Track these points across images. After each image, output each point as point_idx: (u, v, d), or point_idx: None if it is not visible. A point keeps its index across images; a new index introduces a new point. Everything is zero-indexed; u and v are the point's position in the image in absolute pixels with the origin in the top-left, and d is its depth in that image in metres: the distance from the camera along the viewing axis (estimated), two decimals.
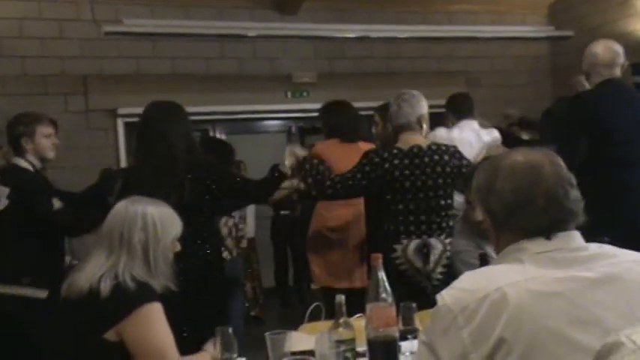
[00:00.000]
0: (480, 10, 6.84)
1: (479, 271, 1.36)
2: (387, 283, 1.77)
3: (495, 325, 1.19)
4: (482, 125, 4.02)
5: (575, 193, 1.32)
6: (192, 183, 2.78)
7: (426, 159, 2.91)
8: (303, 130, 6.76)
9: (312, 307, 2.29)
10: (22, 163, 3.12)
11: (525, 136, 4.35)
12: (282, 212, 6.30)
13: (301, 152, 3.02)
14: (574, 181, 1.34)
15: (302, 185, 3.14)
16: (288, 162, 2.94)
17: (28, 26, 5.49)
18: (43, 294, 2.95)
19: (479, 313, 1.21)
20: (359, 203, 3.14)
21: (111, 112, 5.74)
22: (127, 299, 1.83)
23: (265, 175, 3.00)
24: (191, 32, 5.70)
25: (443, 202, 2.92)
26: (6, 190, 3.01)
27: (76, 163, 5.35)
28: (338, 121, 3.65)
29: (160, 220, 1.95)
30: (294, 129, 6.69)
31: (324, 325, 2.19)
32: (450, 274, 2.72)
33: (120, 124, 5.82)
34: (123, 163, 5.78)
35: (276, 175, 2.95)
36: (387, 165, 2.89)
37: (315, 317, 2.32)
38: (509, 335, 1.18)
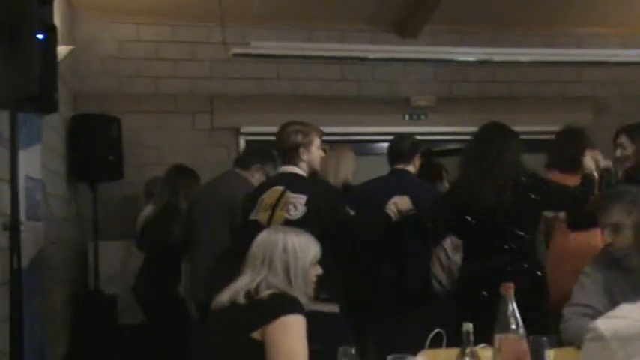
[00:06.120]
0: (609, 33, 6.53)
1: (634, 303, 1.33)
2: (517, 314, 1.72)
3: None
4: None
5: None
6: (517, 196, 2.93)
7: None
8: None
9: (433, 332, 2.25)
10: (300, 172, 3.01)
11: None
12: None
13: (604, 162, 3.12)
14: None
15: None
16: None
17: (163, 48, 5.85)
18: (336, 309, 2.83)
19: (632, 338, 1.18)
20: None
21: (234, 130, 5.98)
22: (277, 305, 2.02)
23: None
24: (313, 55, 5.86)
25: None
26: (302, 198, 2.88)
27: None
28: (563, 149, 3.60)
29: (298, 243, 2.18)
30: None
31: (445, 352, 2.16)
32: None
33: (242, 141, 6.04)
34: None
35: None
36: None
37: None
38: None
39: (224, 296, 2.13)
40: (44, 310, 3.64)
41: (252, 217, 2.97)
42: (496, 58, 6.07)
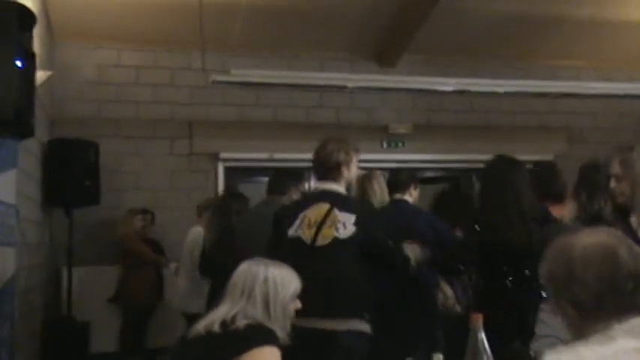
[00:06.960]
0: (583, 66, 6.69)
1: (569, 346, 1.35)
2: (486, 345, 1.73)
3: None
4: None
5: None
6: (536, 229, 2.91)
7: None
8: None
9: None
10: (342, 190, 2.96)
11: None
12: None
13: None
14: None
15: None
16: None
17: (143, 74, 5.87)
18: (369, 329, 2.82)
19: None
20: None
21: (213, 155, 5.99)
22: (252, 336, 2.00)
23: None
24: (293, 83, 5.90)
25: None
26: (352, 217, 2.83)
27: (177, 203, 5.60)
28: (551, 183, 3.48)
29: (280, 276, 2.14)
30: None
31: None
32: None
33: (220, 167, 6.05)
34: None
35: None
36: None
37: None
38: None
39: (200, 325, 2.10)
40: (13, 338, 3.57)
41: (292, 233, 2.90)
42: (473, 89, 6.17)
